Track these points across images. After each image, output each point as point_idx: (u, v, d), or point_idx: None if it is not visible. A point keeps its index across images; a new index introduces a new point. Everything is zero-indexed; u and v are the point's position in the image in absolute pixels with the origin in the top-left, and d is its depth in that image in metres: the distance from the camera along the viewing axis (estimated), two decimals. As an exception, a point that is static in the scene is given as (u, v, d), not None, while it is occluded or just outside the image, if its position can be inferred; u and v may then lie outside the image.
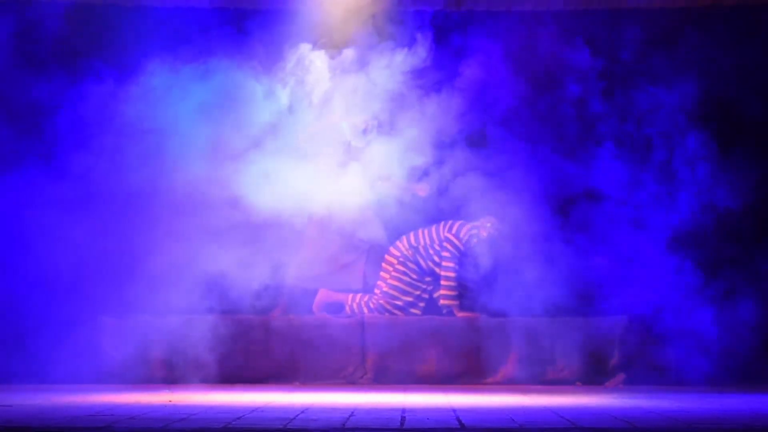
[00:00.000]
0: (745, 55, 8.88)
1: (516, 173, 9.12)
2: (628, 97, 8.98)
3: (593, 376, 8.24)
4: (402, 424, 4.90)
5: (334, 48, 8.81)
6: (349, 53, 8.73)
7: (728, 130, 8.88)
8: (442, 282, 8.58)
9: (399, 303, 8.65)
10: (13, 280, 8.50)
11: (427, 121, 8.83)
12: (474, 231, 8.59)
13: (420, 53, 8.71)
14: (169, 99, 8.58)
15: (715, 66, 8.88)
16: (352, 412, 5.42)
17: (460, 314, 8.50)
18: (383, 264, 8.77)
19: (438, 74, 8.83)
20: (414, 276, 8.67)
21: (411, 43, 8.73)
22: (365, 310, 8.67)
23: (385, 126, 8.89)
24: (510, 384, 8.14)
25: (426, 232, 8.70)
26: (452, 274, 8.55)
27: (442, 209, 8.86)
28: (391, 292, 8.67)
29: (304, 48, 8.67)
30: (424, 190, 8.84)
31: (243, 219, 8.61)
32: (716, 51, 8.91)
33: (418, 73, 8.76)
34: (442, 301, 8.60)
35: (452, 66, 8.89)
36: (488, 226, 8.58)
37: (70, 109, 8.48)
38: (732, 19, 8.98)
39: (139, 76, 8.55)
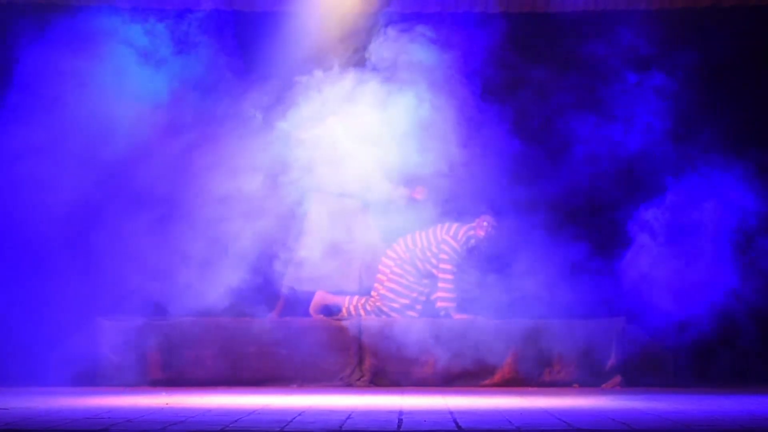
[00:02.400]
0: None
1: (511, 173, 9.16)
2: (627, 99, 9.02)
3: (590, 378, 8.24)
4: (399, 426, 4.90)
5: (327, 51, 8.85)
6: (343, 56, 8.76)
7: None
8: (440, 284, 8.58)
9: (396, 305, 8.65)
10: (7, 283, 8.50)
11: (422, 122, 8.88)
12: (471, 232, 8.59)
13: (411, 54, 8.75)
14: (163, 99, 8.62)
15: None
16: (350, 415, 5.42)
17: (458, 316, 8.49)
18: (380, 266, 8.77)
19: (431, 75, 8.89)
20: (411, 278, 8.67)
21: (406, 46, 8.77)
22: (362, 312, 8.67)
23: (380, 127, 8.91)
24: (507, 386, 8.14)
25: (423, 234, 8.70)
26: (450, 276, 8.55)
27: (438, 211, 8.90)
28: (388, 294, 8.66)
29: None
30: (421, 193, 8.86)
31: (239, 220, 8.63)
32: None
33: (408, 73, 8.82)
34: (439, 303, 8.60)
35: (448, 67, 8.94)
36: (485, 224, 8.59)
37: (67, 112, 8.51)
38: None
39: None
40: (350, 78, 8.71)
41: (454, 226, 8.65)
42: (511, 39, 9.09)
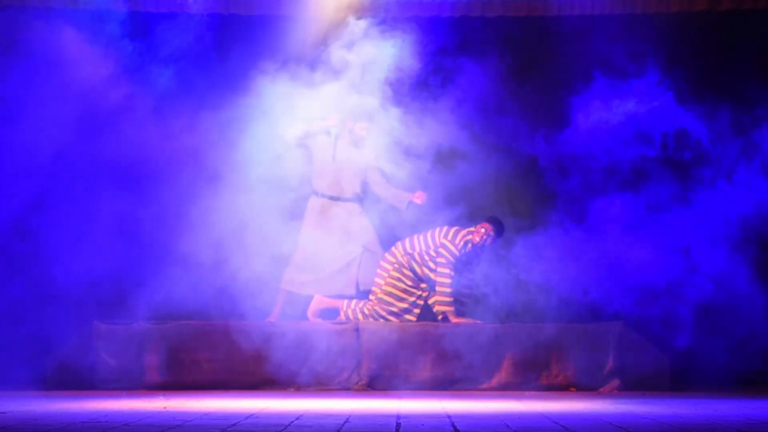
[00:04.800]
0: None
1: (507, 178, 9.17)
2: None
3: (588, 381, 8.25)
4: (397, 430, 4.90)
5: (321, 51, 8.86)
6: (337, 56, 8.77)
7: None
8: (437, 288, 8.58)
9: (394, 309, 8.65)
10: (7, 287, 8.50)
11: (421, 126, 8.92)
12: (469, 236, 8.59)
13: (407, 58, 8.77)
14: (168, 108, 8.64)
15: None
16: (347, 419, 5.42)
17: (455, 320, 8.50)
18: (378, 270, 8.77)
19: (427, 79, 8.92)
20: (409, 282, 8.67)
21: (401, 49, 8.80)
22: (360, 316, 8.68)
23: (379, 131, 8.94)
24: (505, 390, 8.14)
25: (421, 238, 8.70)
26: (447, 280, 8.55)
27: (438, 215, 8.94)
28: (386, 298, 8.67)
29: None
30: (420, 197, 8.86)
31: (235, 224, 8.64)
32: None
33: (408, 77, 8.84)
34: (437, 307, 8.60)
35: (441, 71, 8.97)
36: (482, 231, 8.59)
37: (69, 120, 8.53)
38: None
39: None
40: (338, 81, 8.74)
41: (453, 229, 8.65)
42: (491, 41, 9.17)
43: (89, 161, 8.53)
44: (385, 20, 8.97)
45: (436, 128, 8.92)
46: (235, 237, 8.65)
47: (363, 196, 8.98)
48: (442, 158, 9.03)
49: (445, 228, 8.69)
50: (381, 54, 8.74)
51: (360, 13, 8.98)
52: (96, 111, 8.55)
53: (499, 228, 8.62)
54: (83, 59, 8.58)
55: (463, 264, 8.62)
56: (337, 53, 8.74)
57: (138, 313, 8.42)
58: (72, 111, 8.51)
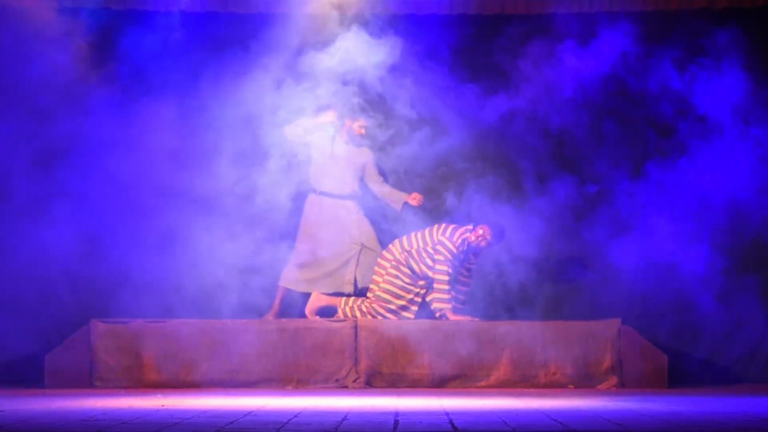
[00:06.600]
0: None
1: (505, 180, 9.17)
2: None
3: (586, 379, 8.25)
4: (395, 427, 4.90)
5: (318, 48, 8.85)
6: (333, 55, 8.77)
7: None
8: (435, 285, 8.58)
9: (392, 306, 8.65)
10: (6, 285, 8.50)
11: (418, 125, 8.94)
12: (466, 234, 8.59)
13: (399, 55, 8.78)
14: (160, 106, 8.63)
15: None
16: (345, 416, 5.42)
17: (453, 318, 8.50)
18: (376, 268, 8.77)
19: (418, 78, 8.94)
20: (407, 280, 8.67)
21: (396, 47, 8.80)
22: (358, 313, 8.68)
23: (376, 131, 8.95)
24: (503, 387, 8.15)
25: (419, 235, 8.70)
26: (445, 278, 8.55)
27: (436, 214, 8.95)
28: (384, 295, 8.66)
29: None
30: (416, 199, 8.87)
31: (234, 221, 8.64)
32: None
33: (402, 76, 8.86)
34: (434, 305, 8.60)
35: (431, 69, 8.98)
36: (480, 233, 8.57)
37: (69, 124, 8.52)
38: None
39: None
40: (328, 79, 8.74)
41: (450, 227, 8.65)
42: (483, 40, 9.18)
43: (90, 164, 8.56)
44: (374, 19, 8.96)
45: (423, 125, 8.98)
46: (233, 236, 8.65)
47: (361, 194, 8.99)
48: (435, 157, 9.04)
49: (443, 225, 8.69)
50: (369, 52, 8.73)
51: (348, 11, 8.97)
52: (81, 110, 8.56)
53: (497, 235, 8.60)
54: (73, 56, 8.59)
55: (460, 262, 8.61)
56: (325, 52, 8.74)
57: (135, 312, 8.42)
58: (54, 107, 8.53)
